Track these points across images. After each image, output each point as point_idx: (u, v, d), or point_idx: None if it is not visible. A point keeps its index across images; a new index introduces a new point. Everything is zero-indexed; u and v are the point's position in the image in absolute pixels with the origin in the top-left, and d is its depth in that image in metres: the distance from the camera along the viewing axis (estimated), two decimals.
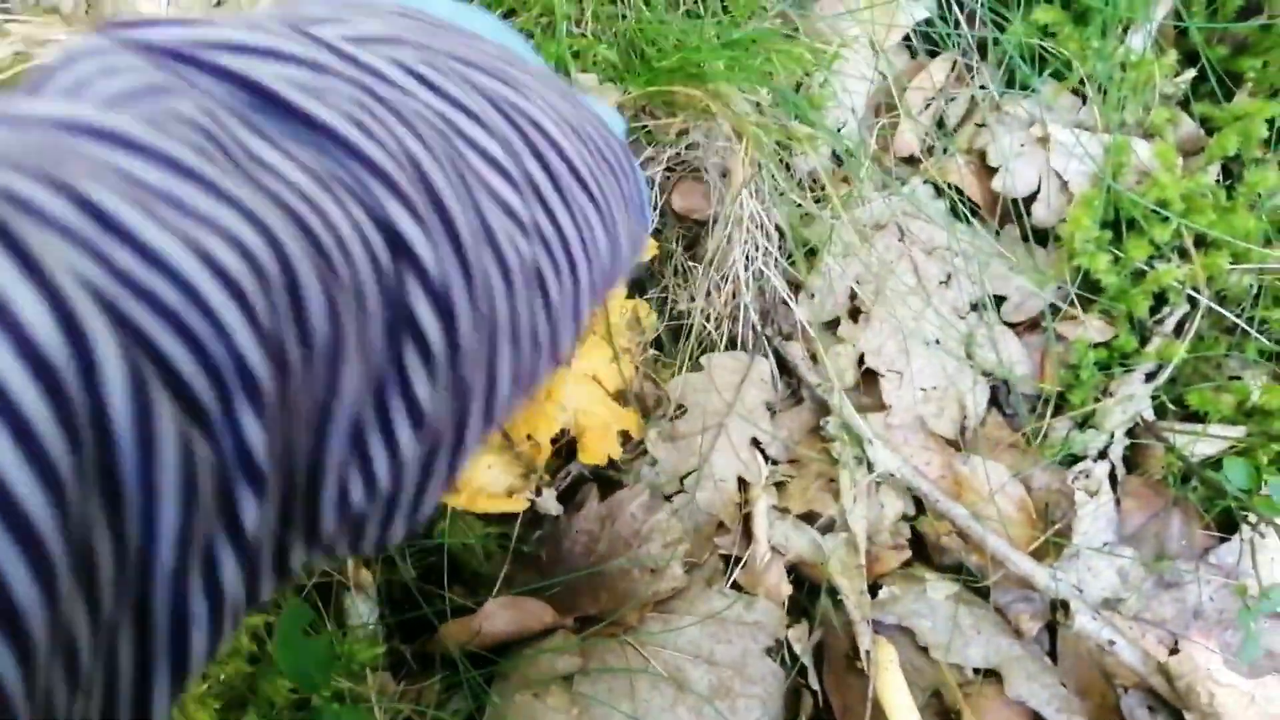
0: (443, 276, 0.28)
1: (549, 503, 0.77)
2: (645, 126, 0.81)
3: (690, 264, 0.86)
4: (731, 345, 0.88)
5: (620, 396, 0.79)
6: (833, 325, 0.89)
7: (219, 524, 0.23)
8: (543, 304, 0.34)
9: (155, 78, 0.26)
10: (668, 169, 0.82)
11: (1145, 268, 0.88)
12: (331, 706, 0.63)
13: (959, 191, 0.91)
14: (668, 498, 0.82)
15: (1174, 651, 0.79)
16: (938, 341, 0.86)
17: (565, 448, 0.78)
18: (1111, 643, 0.79)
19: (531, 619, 0.75)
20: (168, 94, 0.26)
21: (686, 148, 0.85)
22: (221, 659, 0.70)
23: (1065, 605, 0.80)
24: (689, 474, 0.83)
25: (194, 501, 0.21)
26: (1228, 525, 0.87)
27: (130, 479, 0.20)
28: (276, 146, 0.26)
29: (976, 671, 0.82)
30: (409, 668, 0.74)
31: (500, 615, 0.74)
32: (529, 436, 0.70)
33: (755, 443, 0.86)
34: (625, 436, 0.80)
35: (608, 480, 0.85)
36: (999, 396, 0.90)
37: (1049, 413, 0.90)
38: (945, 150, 0.92)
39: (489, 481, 0.69)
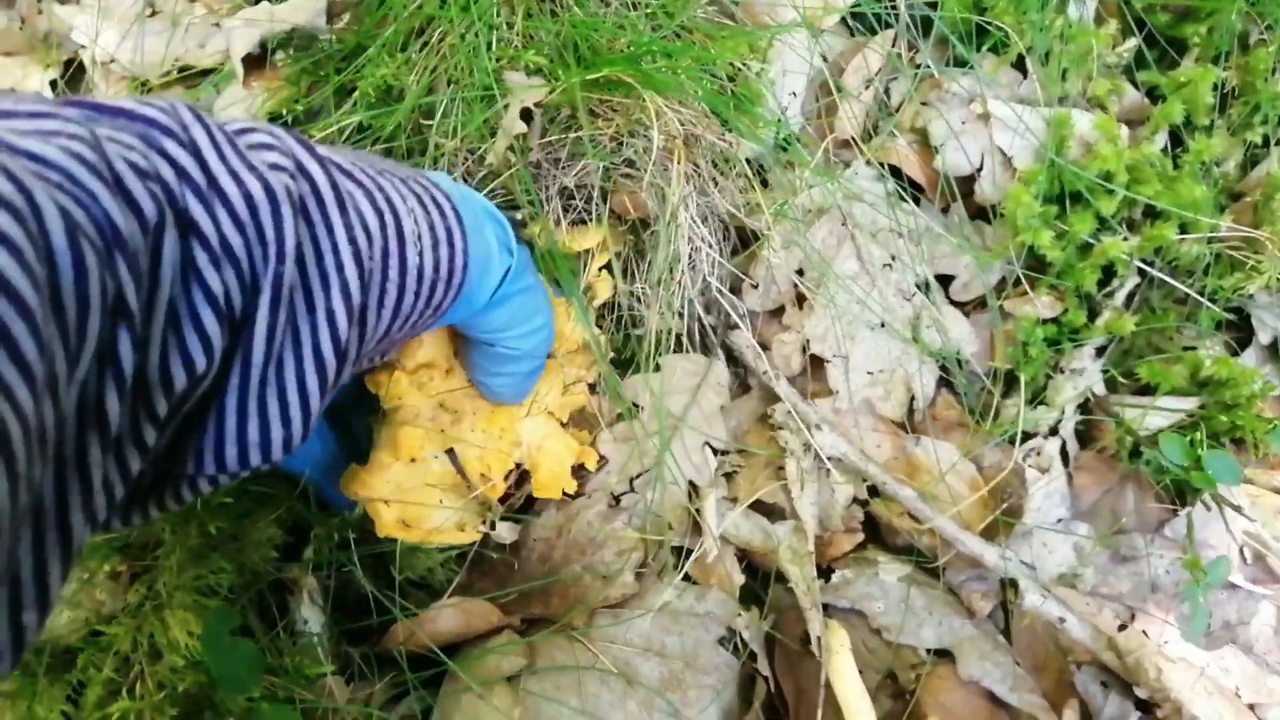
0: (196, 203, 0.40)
1: (504, 534, 0.77)
2: (585, 125, 0.81)
3: (635, 263, 0.86)
4: (680, 340, 0.88)
5: (575, 420, 0.80)
6: (778, 313, 0.88)
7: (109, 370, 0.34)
8: (309, 235, 0.45)
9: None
10: (606, 169, 0.82)
11: (1092, 241, 0.88)
12: (262, 706, 0.63)
13: (895, 172, 0.91)
14: (617, 498, 0.82)
15: (1123, 627, 0.79)
16: (883, 324, 0.86)
17: (520, 476, 0.77)
18: (1061, 620, 0.79)
19: (478, 620, 0.75)
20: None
21: (621, 145, 0.84)
22: (180, 671, 0.71)
23: (1015, 584, 0.80)
24: (640, 474, 0.83)
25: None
26: (1182, 497, 0.87)
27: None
28: (48, 140, 0.35)
29: (930, 652, 0.82)
30: (357, 670, 0.74)
31: (446, 617, 0.74)
32: (483, 475, 0.70)
33: (709, 446, 0.85)
34: (580, 468, 0.81)
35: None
36: (949, 377, 0.89)
37: (1000, 391, 0.89)
38: (888, 132, 0.92)
39: (442, 519, 0.68)
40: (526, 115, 0.72)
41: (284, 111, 0.75)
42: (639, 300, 0.80)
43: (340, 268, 0.45)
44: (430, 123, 0.72)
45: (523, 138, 0.72)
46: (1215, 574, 0.73)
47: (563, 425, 0.77)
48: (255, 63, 0.81)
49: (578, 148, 0.75)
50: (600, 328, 0.82)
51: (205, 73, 0.83)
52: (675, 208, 0.82)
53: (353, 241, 0.46)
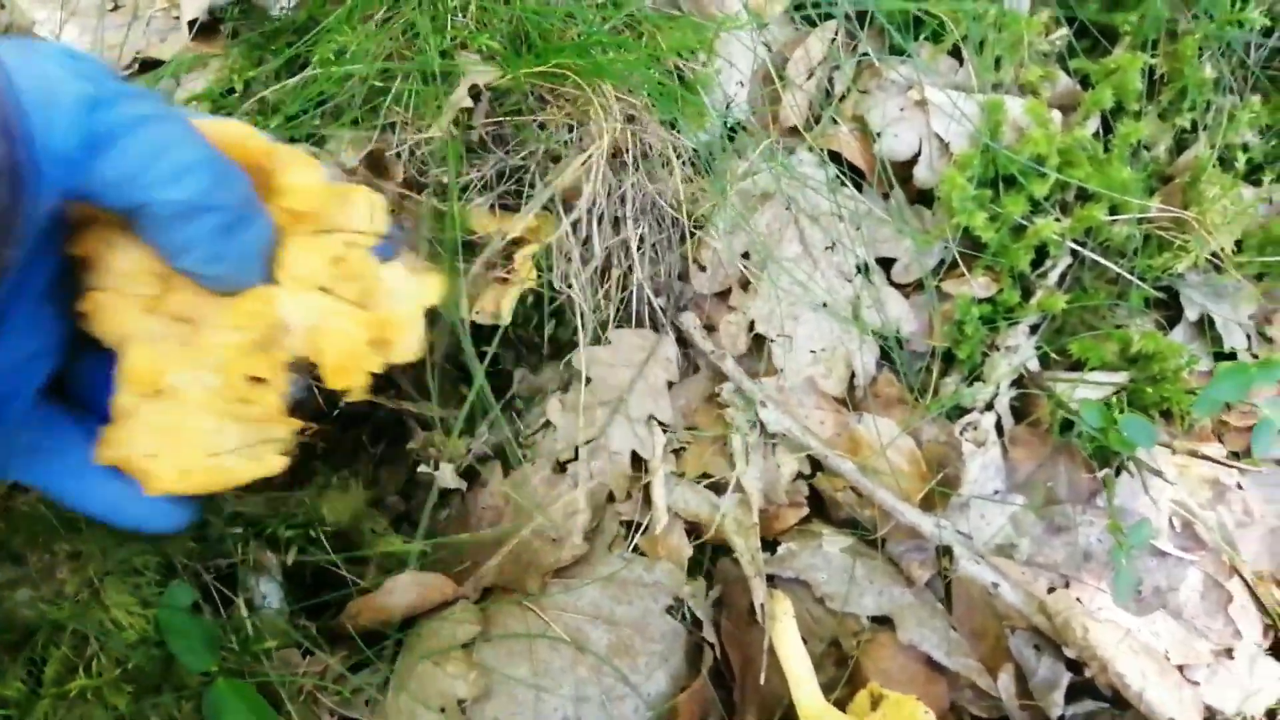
0: None
1: (447, 477, 0.79)
2: (530, 111, 0.83)
3: (584, 248, 0.88)
4: (631, 322, 0.91)
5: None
6: (725, 295, 0.91)
7: None
8: None
9: None
10: (550, 155, 0.84)
11: (1025, 223, 0.91)
12: (219, 683, 0.66)
13: (837, 158, 0.94)
14: (562, 465, 0.84)
15: (1053, 590, 0.82)
16: (825, 305, 0.89)
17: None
18: (995, 585, 0.82)
19: (433, 591, 0.78)
20: None
21: (572, 131, 0.87)
22: (133, 646, 0.73)
23: (950, 551, 0.83)
24: (587, 443, 0.86)
25: None
26: (1115, 469, 0.90)
27: None
28: None
29: (871, 620, 0.85)
30: (315, 646, 0.77)
31: (403, 590, 0.76)
32: (254, 380, 0.56)
33: (654, 420, 0.88)
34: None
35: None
36: (890, 355, 0.92)
37: (938, 369, 0.93)
38: (832, 120, 0.95)
39: (226, 451, 0.56)
40: (475, 94, 0.75)
41: (234, 79, 0.77)
42: (580, 286, 0.83)
43: None
44: (383, 96, 0.74)
45: (468, 114, 0.74)
46: (1137, 536, 0.77)
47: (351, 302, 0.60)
48: (207, 34, 0.83)
49: (524, 132, 0.78)
50: (536, 312, 0.84)
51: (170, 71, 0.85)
52: (620, 195, 0.85)
53: None
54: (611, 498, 0.84)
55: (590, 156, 0.82)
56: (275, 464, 0.58)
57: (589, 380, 0.87)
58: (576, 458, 0.84)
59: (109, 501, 0.57)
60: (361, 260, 0.59)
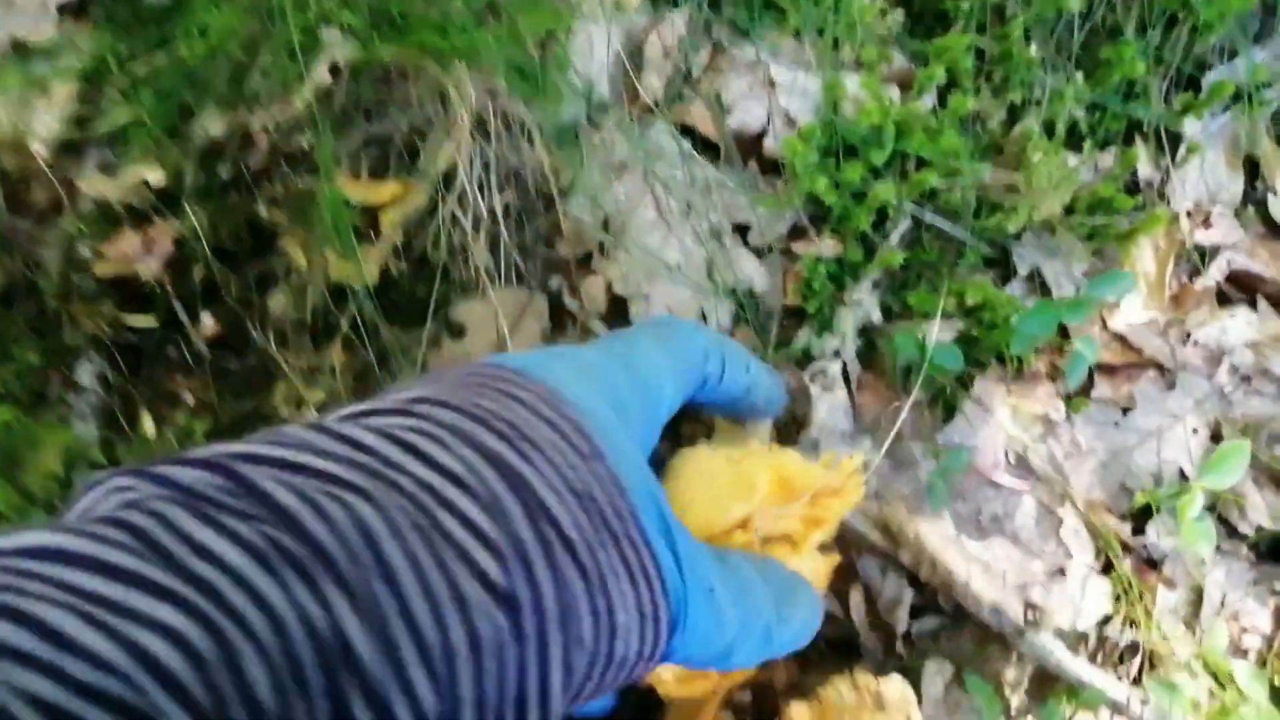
0: (377, 665, 0.29)
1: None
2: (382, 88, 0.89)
3: (456, 212, 0.95)
4: (502, 284, 0.97)
5: None
6: (587, 259, 0.98)
7: None
8: (515, 672, 0.34)
9: (133, 492, 0.31)
10: (419, 132, 0.90)
11: (866, 188, 0.99)
12: None
13: (688, 132, 1.01)
14: None
15: (886, 505, 0.89)
16: (680, 267, 0.96)
17: None
18: None
19: None
20: (130, 503, 0.30)
21: (442, 103, 0.93)
22: None
23: None
24: None
25: None
26: (951, 410, 0.98)
27: None
28: (223, 529, 0.29)
29: None
30: None
31: None
32: None
33: None
34: None
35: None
36: (745, 313, 1.00)
37: (791, 324, 1.00)
38: (685, 96, 1.02)
39: None
40: (334, 69, 0.81)
41: (106, 56, 0.82)
42: (445, 250, 0.89)
43: (545, 693, 0.35)
44: (248, 71, 0.80)
45: (328, 88, 0.80)
46: (954, 461, 0.84)
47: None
48: (78, 16, 0.88)
49: (388, 107, 0.84)
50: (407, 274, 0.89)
51: (40, 53, 0.89)
52: (485, 164, 0.91)
53: (566, 666, 0.36)
54: None
55: (453, 130, 0.88)
56: None
57: (465, 332, 0.93)
58: None
59: None
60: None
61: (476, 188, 0.91)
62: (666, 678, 0.63)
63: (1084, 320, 0.90)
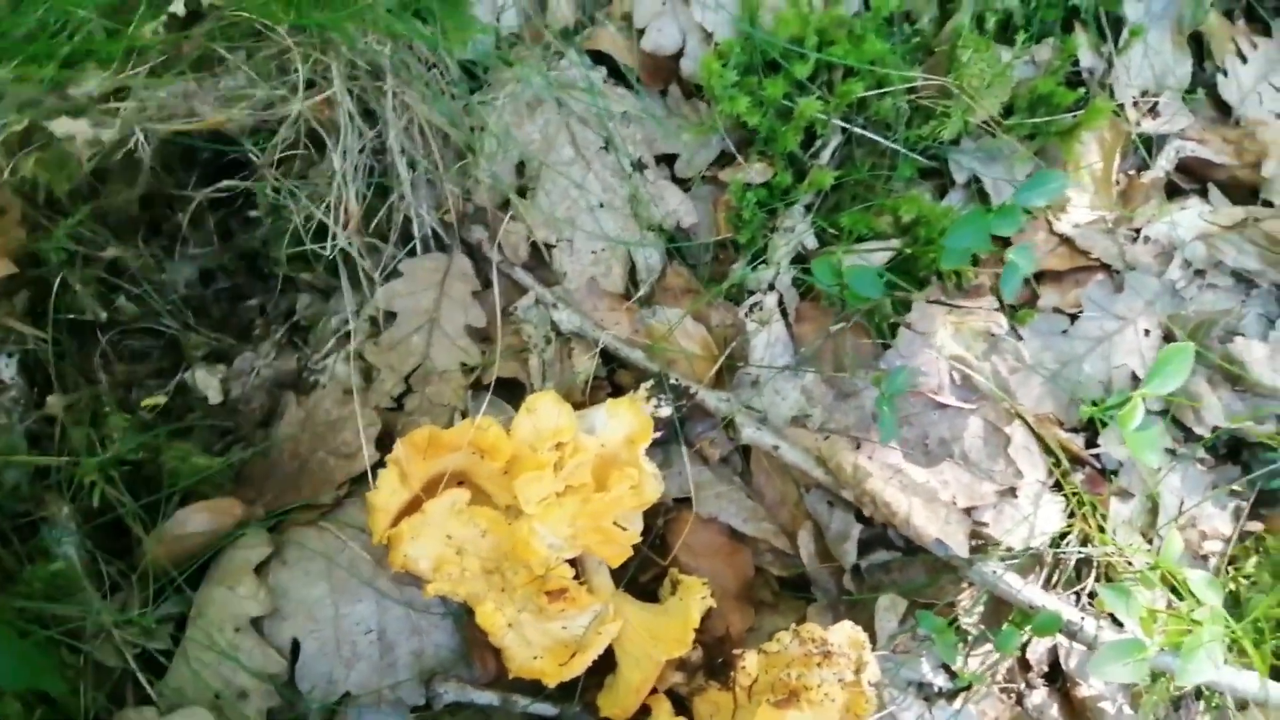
0: None
1: (206, 383, 0.81)
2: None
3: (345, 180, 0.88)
4: (416, 247, 0.92)
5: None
6: (505, 206, 0.93)
7: None
8: None
9: None
10: (311, 81, 0.84)
11: (790, 105, 0.93)
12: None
13: (607, 59, 0.95)
14: (398, 401, 0.87)
15: (827, 438, 0.87)
16: (601, 205, 0.91)
17: None
18: (775, 447, 0.86)
19: (224, 516, 0.79)
20: None
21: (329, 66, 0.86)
22: None
23: (733, 423, 0.87)
24: (412, 372, 0.88)
25: None
26: (893, 331, 0.94)
27: None
28: None
29: (676, 501, 0.89)
30: (118, 585, 0.78)
31: (193, 518, 0.78)
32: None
33: (470, 330, 0.90)
34: None
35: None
36: (677, 248, 0.95)
37: (725, 257, 0.96)
38: (598, 20, 0.96)
39: None
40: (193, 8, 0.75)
41: None
42: (347, 220, 0.84)
43: None
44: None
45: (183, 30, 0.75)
46: (894, 384, 0.81)
47: None
48: None
49: (254, 59, 0.78)
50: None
51: None
52: (383, 120, 0.85)
53: None
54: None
55: (329, 92, 0.82)
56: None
57: (393, 315, 0.89)
58: (409, 388, 0.87)
59: None
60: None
61: (371, 149, 0.86)
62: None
63: (1014, 229, 0.85)
